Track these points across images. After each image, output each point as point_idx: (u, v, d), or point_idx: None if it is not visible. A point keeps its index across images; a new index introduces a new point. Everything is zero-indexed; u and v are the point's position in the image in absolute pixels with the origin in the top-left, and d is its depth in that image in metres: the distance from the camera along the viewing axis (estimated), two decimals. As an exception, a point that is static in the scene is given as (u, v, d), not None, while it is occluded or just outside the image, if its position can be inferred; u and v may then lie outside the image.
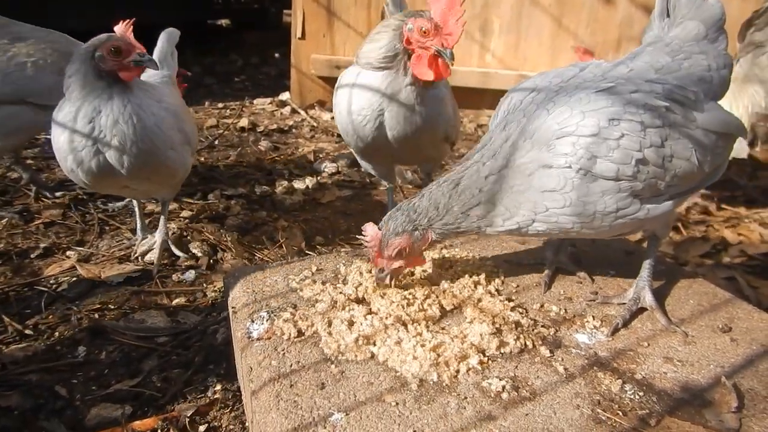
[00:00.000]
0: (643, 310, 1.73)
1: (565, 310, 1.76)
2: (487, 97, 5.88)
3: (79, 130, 2.15)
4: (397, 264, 1.68)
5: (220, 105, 5.76)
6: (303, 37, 5.68)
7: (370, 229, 1.65)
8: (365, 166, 2.70)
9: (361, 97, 2.32)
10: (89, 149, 2.17)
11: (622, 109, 1.47)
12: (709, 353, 1.57)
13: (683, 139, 1.52)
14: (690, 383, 1.44)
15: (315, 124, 5.28)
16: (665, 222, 1.76)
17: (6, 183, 3.49)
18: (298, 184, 3.77)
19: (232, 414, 1.77)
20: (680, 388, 1.43)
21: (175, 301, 2.38)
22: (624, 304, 1.75)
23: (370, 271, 1.89)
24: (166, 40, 2.94)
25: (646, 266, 1.78)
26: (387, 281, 1.72)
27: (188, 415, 1.74)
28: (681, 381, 1.45)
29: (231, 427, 1.73)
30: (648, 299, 1.73)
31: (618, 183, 1.48)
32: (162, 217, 2.70)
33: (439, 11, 2.14)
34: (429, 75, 2.23)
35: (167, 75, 2.80)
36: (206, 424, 1.73)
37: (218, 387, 1.89)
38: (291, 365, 1.49)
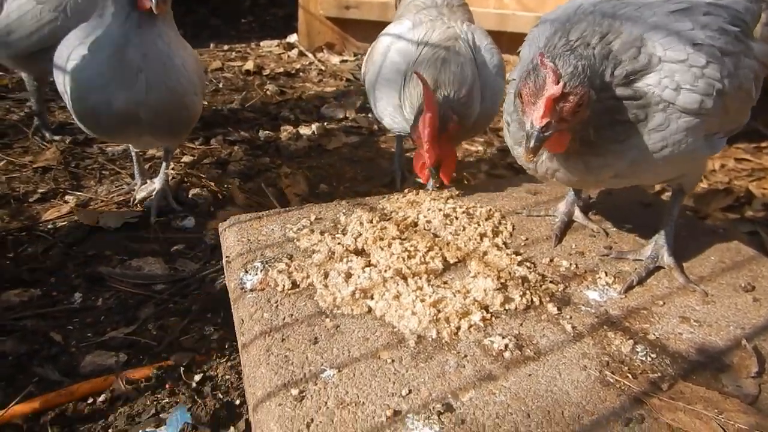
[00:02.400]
0: (660, 268, 1.63)
1: (576, 265, 1.66)
2: (504, 40, 5.55)
3: (106, 59, 2.04)
4: (563, 126, 1.30)
5: (226, 47, 5.57)
6: (311, -26, 5.40)
7: (550, 63, 1.24)
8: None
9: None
10: (117, 83, 2.06)
11: (703, 34, 1.35)
12: (729, 313, 1.47)
13: (746, 69, 1.42)
14: (707, 345, 1.35)
15: (323, 68, 5.09)
16: (700, 170, 1.65)
17: (6, 125, 3.41)
18: (304, 130, 3.64)
19: (229, 364, 1.73)
20: (696, 350, 1.34)
21: (174, 248, 2.32)
22: (640, 260, 1.64)
23: (371, 221, 1.80)
24: None
25: (668, 222, 1.67)
26: (536, 150, 1.30)
27: (184, 364, 1.71)
28: (697, 343, 1.36)
29: (227, 376, 1.69)
30: (666, 258, 1.62)
31: (698, 118, 1.36)
32: (164, 164, 2.61)
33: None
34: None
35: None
36: (202, 374, 1.70)
37: (215, 336, 1.85)
38: (284, 318, 1.42)
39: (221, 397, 1.61)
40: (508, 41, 5.70)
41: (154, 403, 1.57)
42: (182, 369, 1.68)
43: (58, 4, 2.81)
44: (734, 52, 1.39)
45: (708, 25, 1.38)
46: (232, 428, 1.48)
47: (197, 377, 1.67)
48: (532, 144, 1.28)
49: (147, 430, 1.48)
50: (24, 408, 1.51)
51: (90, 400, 1.58)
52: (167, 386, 1.62)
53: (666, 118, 1.35)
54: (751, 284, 1.58)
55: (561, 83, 1.23)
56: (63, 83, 2.19)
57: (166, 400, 1.58)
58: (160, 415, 1.53)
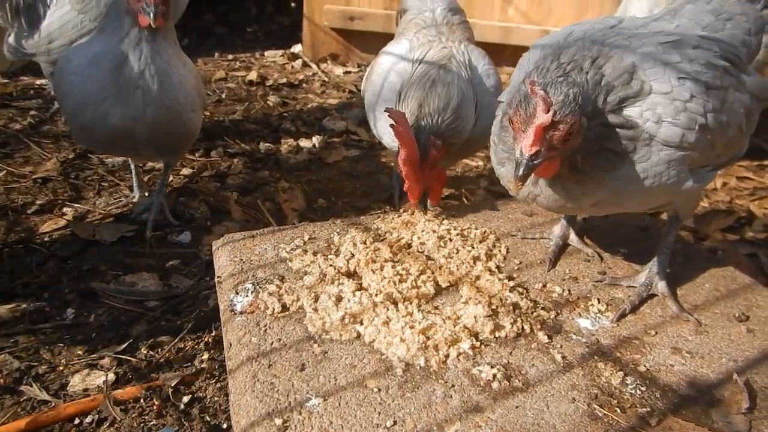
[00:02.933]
0: (653, 296, 1.61)
1: (569, 291, 1.64)
2: (507, 53, 5.59)
3: (103, 74, 2.06)
4: (552, 154, 1.29)
5: (230, 56, 5.59)
6: (316, -14, 5.42)
7: (541, 91, 1.23)
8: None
9: None
10: (113, 99, 2.07)
11: (690, 67, 1.34)
12: (722, 345, 1.46)
13: (736, 103, 1.41)
14: (698, 378, 1.33)
15: (326, 79, 5.10)
16: (692, 200, 1.63)
17: (8, 135, 3.43)
18: (305, 143, 3.65)
19: (218, 385, 1.72)
20: (687, 383, 1.32)
21: (169, 263, 2.32)
22: (634, 287, 1.63)
23: (365, 242, 1.79)
24: None
25: (663, 249, 1.65)
26: (525, 179, 1.29)
27: (172, 384, 1.70)
28: (688, 375, 1.34)
29: (216, 398, 1.68)
30: (660, 286, 1.60)
31: (680, 151, 1.35)
32: (162, 178, 2.61)
33: None
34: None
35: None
36: (190, 395, 1.69)
37: (205, 356, 1.84)
38: (272, 343, 1.41)
39: (209, 420, 1.60)
40: (511, 54, 5.71)
41: (141, 425, 1.56)
42: (171, 390, 1.67)
43: (98, 14, 2.93)
44: (722, 87, 1.38)
45: (696, 58, 1.37)
46: (218, 453, 1.46)
47: (186, 398, 1.66)
48: (521, 172, 1.27)
49: (133, 453, 1.47)
50: (10, 428, 1.51)
51: (77, 421, 1.57)
52: (155, 407, 1.61)
53: (648, 150, 1.35)
54: (745, 314, 1.56)
55: (551, 112, 1.22)
56: (62, 97, 2.20)
57: (153, 422, 1.58)
58: (147, 438, 1.52)
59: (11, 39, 3.23)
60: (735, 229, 3.03)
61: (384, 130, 2.34)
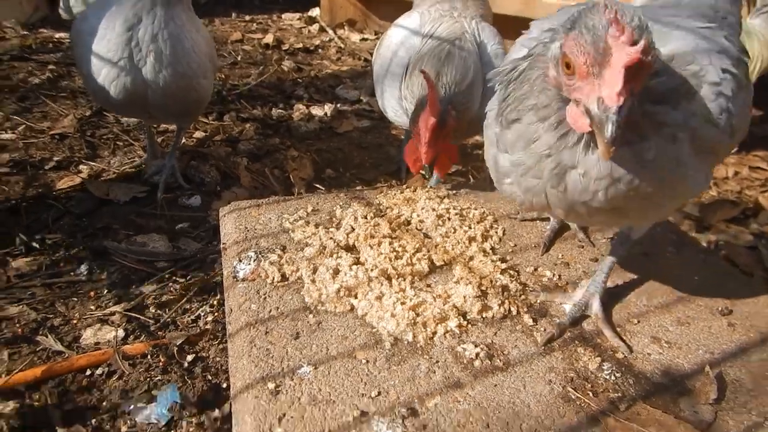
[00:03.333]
0: (587, 317, 1.53)
1: (560, 276, 1.70)
2: (527, 26, 5.52)
3: (116, 37, 2.10)
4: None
5: (247, 17, 5.57)
6: (337, -52, 5.34)
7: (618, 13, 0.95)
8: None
9: None
10: (125, 62, 2.12)
11: (729, 60, 1.22)
12: (701, 336, 1.51)
13: (748, 96, 1.33)
14: (672, 368, 1.39)
15: (342, 46, 5.07)
16: (663, 216, 1.59)
17: (27, 89, 3.49)
18: (316, 111, 3.67)
19: (220, 346, 1.82)
20: (661, 372, 1.38)
21: (179, 226, 2.40)
22: (567, 304, 1.55)
23: (366, 217, 1.85)
24: None
25: (604, 268, 1.55)
26: (617, 140, 0.97)
27: (177, 343, 1.80)
28: (664, 364, 1.40)
29: (217, 359, 1.78)
30: (595, 307, 1.52)
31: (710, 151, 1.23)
32: (175, 141, 2.68)
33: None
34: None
35: None
36: (194, 354, 1.79)
37: (209, 318, 1.94)
38: (270, 311, 1.50)
39: (210, 378, 1.70)
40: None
41: (147, 380, 1.67)
42: (176, 348, 1.78)
43: None
44: (746, 85, 1.31)
45: (728, 51, 1.25)
46: (216, 411, 1.56)
47: (189, 357, 1.76)
48: (610, 132, 0.94)
49: (138, 405, 1.58)
50: (26, 375, 1.62)
51: (88, 372, 1.68)
52: (161, 364, 1.72)
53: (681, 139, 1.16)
54: (729, 308, 1.60)
55: (643, 41, 0.92)
56: (78, 57, 2.25)
57: (159, 377, 1.68)
58: (152, 392, 1.62)
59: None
60: (740, 220, 3.03)
61: (389, 103, 2.37)
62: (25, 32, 4.57)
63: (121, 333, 1.83)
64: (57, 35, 4.53)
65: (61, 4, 3.33)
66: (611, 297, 1.62)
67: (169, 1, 2.13)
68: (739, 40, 1.40)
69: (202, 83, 2.30)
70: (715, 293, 1.67)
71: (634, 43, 0.92)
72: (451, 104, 2.01)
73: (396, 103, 2.30)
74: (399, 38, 2.31)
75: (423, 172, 2.05)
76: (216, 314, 1.94)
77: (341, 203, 1.99)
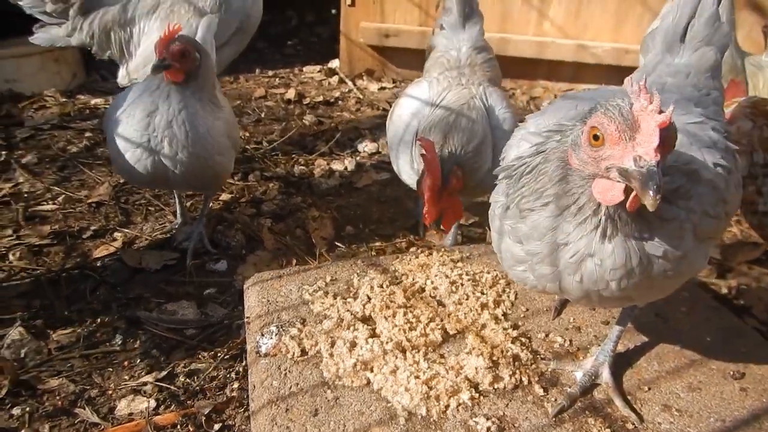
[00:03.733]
0: (597, 385, 1.58)
1: (570, 341, 1.74)
2: (542, 68, 5.62)
3: (136, 123, 2.28)
4: None
5: (270, 73, 5.81)
6: (353, 3, 5.56)
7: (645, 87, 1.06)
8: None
9: None
10: (145, 146, 2.30)
11: (718, 153, 1.31)
12: (713, 403, 1.53)
13: (738, 178, 1.40)
14: (683, 439, 1.42)
15: (361, 96, 5.24)
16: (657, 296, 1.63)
17: (66, 157, 3.72)
18: (337, 165, 3.81)
19: (246, 414, 1.89)
20: (671, 443, 1.41)
21: (206, 292, 2.52)
22: (577, 373, 1.60)
23: (381, 286, 1.93)
24: (205, 28, 2.95)
25: (613, 337, 1.60)
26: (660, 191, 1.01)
27: (205, 412, 1.88)
28: (674, 435, 1.43)
29: (243, 427, 1.86)
30: (605, 376, 1.57)
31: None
32: (203, 207, 2.83)
33: None
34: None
35: None
36: (221, 423, 1.87)
37: (236, 385, 2.02)
38: (290, 387, 1.58)
39: (236, 448, 1.78)
40: (546, 69, 5.75)
41: (177, 451, 1.76)
42: (204, 417, 1.86)
43: None
44: (736, 169, 1.37)
45: (717, 143, 1.33)
46: (242, 482, 1.64)
47: (217, 426, 1.85)
48: (655, 181, 0.99)
49: (169, 478, 1.66)
50: (66, 450, 1.73)
51: (122, 445, 1.78)
52: (189, 434, 1.80)
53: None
54: (741, 371, 1.62)
55: (669, 112, 1.02)
56: (108, 140, 2.43)
57: (188, 448, 1.77)
58: (182, 463, 1.71)
59: (123, 69, 3.50)
60: (762, 262, 3.01)
61: (404, 168, 2.47)
62: (64, 99, 4.86)
63: (152, 403, 1.92)
64: (93, 101, 4.80)
65: (120, 76, 3.64)
66: (622, 362, 1.65)
67: (184, 90, 2.29)
68: (724, 124, 1.45)
69: (218, 160, 2.44)
70: (727, 355, 1.69)
71: (661, 111, 1.01)
72: (458, 164, 2.10)
73: (410, 168, 2.40)
74: (409, 109, 2.42)
75: (432, 227, 2.14)
76: (242, 381, 2.03)
77: (358, 271, 2.08)
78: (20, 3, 3.39)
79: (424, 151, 1.95)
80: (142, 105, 2.28)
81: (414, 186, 2.49)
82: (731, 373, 1.62)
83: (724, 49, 1.58)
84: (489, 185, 2.47)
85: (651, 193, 0.99)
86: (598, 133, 1.07)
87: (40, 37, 3.50)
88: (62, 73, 5.15)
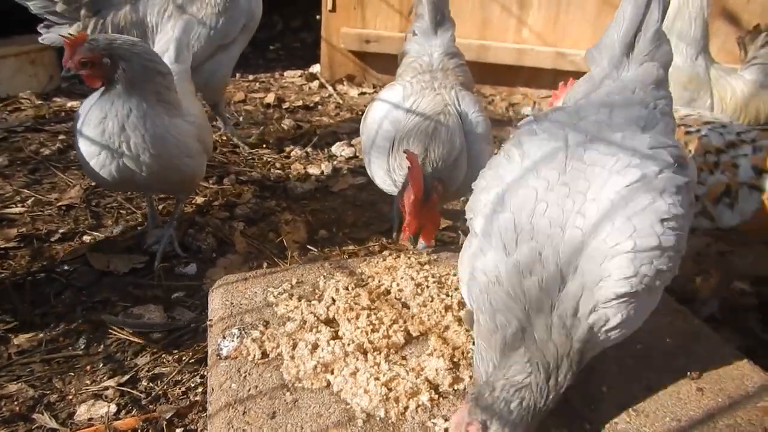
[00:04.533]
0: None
1: (533, 343, 1.74)
2: (522, 75, 5.68)
3: (92, 130, 2.27)
4: None
5: (251, 77, 5.80)
6: (334, 9, 5.58)
7: None
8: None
9: None
10: (107, 152, 2.27)
11: (668, 203, 1.28)
12: (669, 403, 1.54)
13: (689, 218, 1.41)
14: (638, 439, 1.43)
15: (341, 101, 5.25)
16: None
17: (38, 160, 3.67)
18: (313, 170, 3.80)
19: (209, 418, 1.87)
20: (627, 443, 1.41)
21: (174, 295, 2.50)
22: None
23: (347, 288, 1.93)
24: (181, 29, 2.92)
25: None
26: None
27: (167, 416, 1.86)
28: (630, 435, 1.44)
29: (205, 431, 1.84)
30: None
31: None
32: (174, 211, 2.80)
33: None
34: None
35: (181, 71, 2.80)
36: (183, 428, 1.85)
37: (200, 389, 2.00)
38: (249, 390, 1.56)
39: (197, 452, 1.76)
40: (526, 76, 5.80)
41: (136, 456, 1.73)
42: (165, 422, 1.84)
43: None
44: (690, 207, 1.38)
45: (666, 188, 1.30)
46: (200, 486, 1.62)
47: (178, 430, 1.82)
48: None
49: (125, 483, 1.64)
50: (20, 455, 1.69)
51: (79, 450, 1.75)
52: (149, 439, 1.78)
53: None
54: (698, 372, 1.63)
55: None
56: (75, 146, 2.41)
57: (147, 453, 1.74)
58: (140, 468, 1.68)
59: None
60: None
61: (377, 173, 2.47)
62: (40, 102, 4.81)
63: (113, 408, 1.90)
64: (69, 104, 4.75)
65: None
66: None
67: (125, 94, 2.24)
68: (673, 141, 1.45)
69: (187, 162, 2.42)
70: (686, 356, 1.71)
71: None
72: (438, 179, 2.11)
73: (384, 174, 2.40)
74: (383, 112, 2.42)
75: (409, 241, 2.15)
76: (206, 386, 2.00)
77: (325, 273, 2.07)
78: (28, 3, 3.37)
79: (409, 164, 1.95)
80: (95, 112, 2.26)
81: (388, 191, 2.50)
82: (689, 373, 1.63)
83: (667, 66, 1.60)
84: (463, 192, 2.49)
85: None
86: None
87: (48, 37, 3.57)
88: (39, 76, 5.10)
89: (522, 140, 1.45)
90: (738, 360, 1.69)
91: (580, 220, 1.27)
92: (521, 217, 1.31)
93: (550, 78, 5.61)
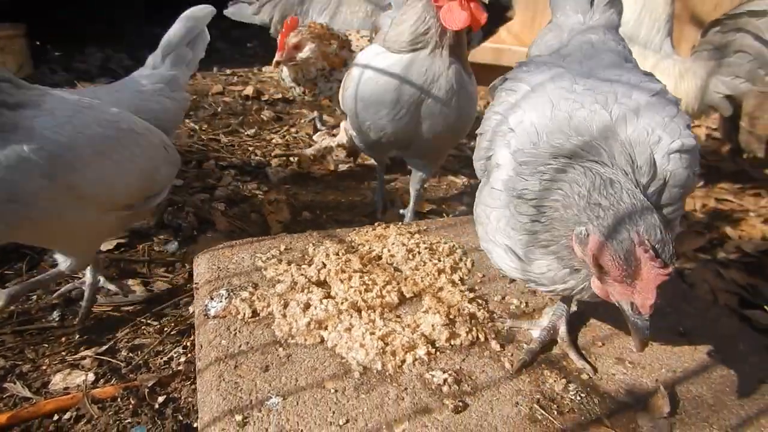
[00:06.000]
0: (555, 342, 1.56)
1: (526, 303, 1.74)
2: (499, 74, 5.71)
3: None
4: None
5: (228, 71, 5.73)
6: (312, 5, 5.57)
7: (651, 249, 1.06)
8: (361, 148, 2.66)
9: (388, 84, 2.20)
10: None
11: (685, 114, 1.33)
12: (664, 356, 1.55)
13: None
14: (636, 387, 1.43)
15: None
16: None
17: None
18: (294, 157, 3.75)
19: (192, 387, 1.80)
20: (625, 391, 1.41)
21: (154, 271, 2.41)
22: (534, 330, 1.59)
23: (338, 254, 1.89)
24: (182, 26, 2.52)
25: None
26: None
27: (149, 385, 1.78)
28: (628, 384, 1.43)
29: (189, 399, 1.77)
30: (562, 330, 1.56)
31: None
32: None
33: None
34: (461, 19, 2.11)
35: (170, 77, 2.43)
36: (165, 395, 1.77)
37: (182, 359, 1.93)
38: (240, 346, 1.51)
39: (181, 419, 1.68)
40: (503, 74, 5.86)
41: (117, 422, 1.64)
42: (147, 390, 1.76)
43: None
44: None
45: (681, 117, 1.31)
46: (186, 450, 1.55)
47: (161, 398, 1.75)
48: (645, 333, 1.12)
49: (106, 448, 1.56)
50: (-8, 422, 1.59)
51: (56, 417, 1.66)
52: (131, 406, 1.70)
53: None
54: (689, 330, 1.65)
55: (672, 266, 1.06)
56: None
57: (129, 420, 1.66)
58: (121, 435, 1.60)
59: None
60: (707, 249, 3.12)
61: None
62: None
63: (91, 377, 1.81)
64: (39, 92, 4.60)
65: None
66: (577, 321, 1.65)
67: None
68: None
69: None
70: (677, 315, 1.72)
71: (665, 266, 1.04)
72: None
73: None
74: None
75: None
76: (189, 355, 1.94)
77: (314, 241, 2.02)
78: None
79: None
80: None
81: None
82: (681, 329, 1.64)
83: (620, 14, 1.82)
84: (464, 129, 2.44)
85: (638, 340, 1.13)
86: (602, 266, 1.09)
87: (231, 11, 4.43)
88: (7, 64, 4.93)
89: (519, 76, 1.47)
90: (728, 318, 1.72)
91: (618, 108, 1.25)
92: (558, 113, 1.27)
93: (527, 77, 5.71)
